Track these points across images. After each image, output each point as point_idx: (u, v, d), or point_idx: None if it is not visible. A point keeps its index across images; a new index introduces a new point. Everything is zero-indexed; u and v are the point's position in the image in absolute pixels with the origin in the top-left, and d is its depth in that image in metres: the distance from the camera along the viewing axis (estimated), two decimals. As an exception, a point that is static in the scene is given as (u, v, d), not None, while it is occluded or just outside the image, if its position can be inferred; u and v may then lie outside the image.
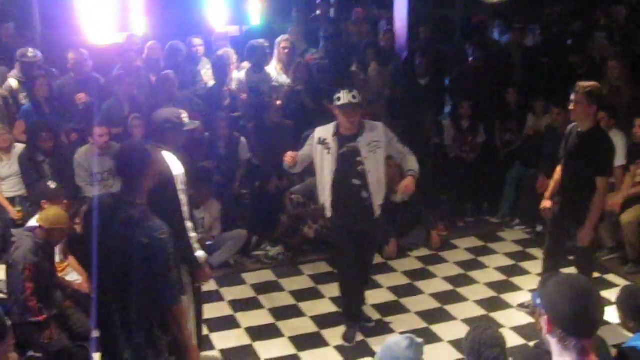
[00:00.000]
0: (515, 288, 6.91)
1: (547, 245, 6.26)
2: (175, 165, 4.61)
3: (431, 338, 5.86)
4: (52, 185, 6.25)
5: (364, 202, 5.70)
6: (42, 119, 7.59)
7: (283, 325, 6.28)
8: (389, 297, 6.77)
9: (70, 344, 5.27)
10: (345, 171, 5.64)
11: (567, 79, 8.12)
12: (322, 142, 5.69)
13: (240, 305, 6.66)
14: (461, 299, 6.73)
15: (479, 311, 6.46)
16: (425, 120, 8.72)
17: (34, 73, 8.06)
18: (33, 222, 5.63)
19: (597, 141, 5.63)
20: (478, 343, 3.57)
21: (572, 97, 5.58)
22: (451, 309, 6.52)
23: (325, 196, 5.77)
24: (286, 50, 8.92)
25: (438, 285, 7.03)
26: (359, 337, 5.99)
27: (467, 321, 6.18)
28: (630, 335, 4.14)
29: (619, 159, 7.34)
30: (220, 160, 7.88)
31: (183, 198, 4.62)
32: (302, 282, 7.16)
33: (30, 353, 5.15)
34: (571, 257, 6.45)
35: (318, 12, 11.56)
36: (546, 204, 6.19)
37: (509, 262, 7.53)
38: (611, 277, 7.00)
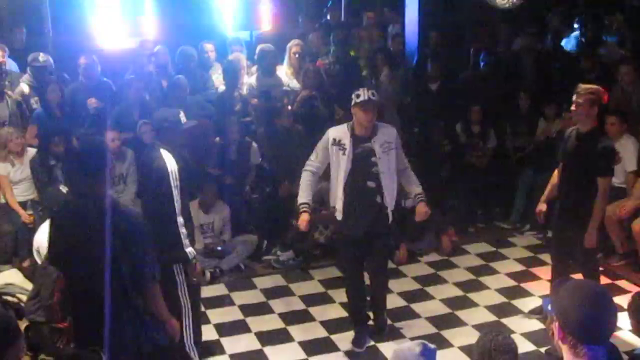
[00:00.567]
0: (526, 294, 6.89)
1: (553, 251, 6.27)
2: (170, 162, 4.83)
3: (442, 344, 5.84)
4: (63, 189, 6.29)
5: (377, 207, 5.68)
6: (53, 124, 7.62)
7: (293, 330, 6.28)
8: (400, 302, 6.76)
9: (82, 350, 5.30)
10: (360, 172, 5.63)
11: (578, 84, 8.09)
12: (336, 142, 5.68)
13: (251, 309, 6.67)
14: (472, 304, 6.71)
15: (490, 317, 6.44)
16: (436, 125, 8.70)
17: (45, 78, 8.10)
18: (45, 227, 5.66)
19: (597, 142, 5.64)
20: (489, 349, 3.56)
21: (574, 98, 5.63)
22: (462, 314, 6.50)
23: (337, 198, 5.74)
24: (297, 55, 8.93)
25: (449, 290, 7.02)
26: (370, 342, 5.98)
27: (478, 327, 6.16)
28: (642, 341, 4.12)
29: (631, 165, 7.34)
30: (231, 165, 7.90)
31: (176, 194, 4.82)
32: (312, 287, 7.16)
33: (42, 356, 5.18)
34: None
35: (328, 17, 11.57)
36: (541, 207, 6.24)
37: (520, 267, 7.51)
38: (623, 284, 6.97)
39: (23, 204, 7.26)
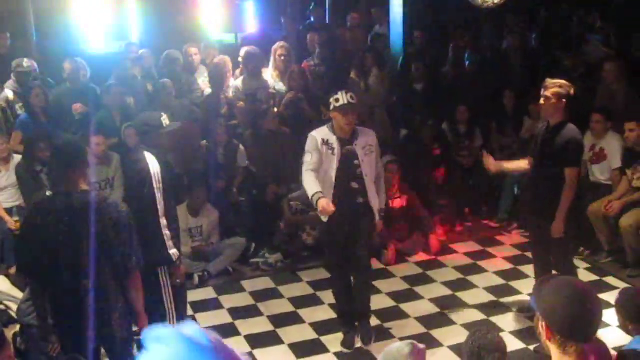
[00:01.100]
0: (514, 292, 6.91)
1: (532, 248, 6.36)
2: (153, 165, 4.90)
3: (431, 343, 5.84)
4: (50, 195, 6.25)
5: (361, 207, 5.72)
6: (39, 129, 7.59)
7: (282, 332, 6.27)
8: (389, 302, 6.77)
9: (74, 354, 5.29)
10: (346, 173, 5.65)
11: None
12: (325, 142, 5.67)
13: (240, 312, 6.65)
14: (461, 303, 6.72)
15: (479, 316, 6.46)
16: (425, 125, 8.71)
17: (29, 83, 8.06)
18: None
19: (565, 133, 5.71)
20: (478, 348, 3.56)
21: (542, 92, 5.71)
22: (451, 314, 6.51)
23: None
24: (283, 58, 8.92)
25: (438, 290, 7.03)
26: (359, 343, 5.97)
27: (467, 326, 6.17)
28: (630, 337, 4.13)
29: (616, 162, 7.38)
30: (218, 168, 7.88)
31: (159, 196, 4.86)
32: (301, 289, 7.15)
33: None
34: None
35: (312, 18, 11.56)
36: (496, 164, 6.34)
37: (508, 266, 7.53)
38: (610, 280, 7.00)
39: (9, 211, 7.22)
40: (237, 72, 9.08)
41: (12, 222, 7.09)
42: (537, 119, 8.42)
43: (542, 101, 5.76)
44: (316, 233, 7.65)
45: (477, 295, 6.87)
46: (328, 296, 6.71)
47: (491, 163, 6.23)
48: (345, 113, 5.55)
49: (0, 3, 9.76)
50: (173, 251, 4.97)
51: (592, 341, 2.58)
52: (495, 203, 8.70)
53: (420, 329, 6.23)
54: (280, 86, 8.84)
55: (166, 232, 4.92)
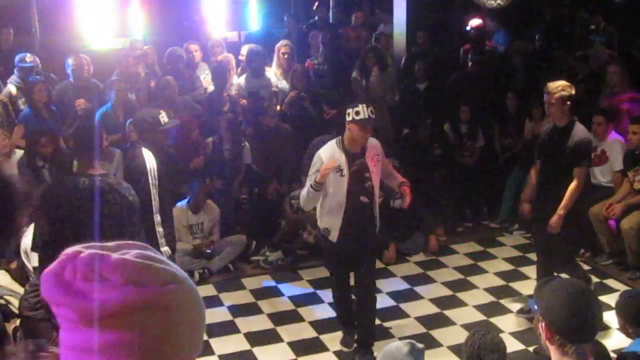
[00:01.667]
0: (514, 293, 6.91)
1: (537, 248, 6.38)
2: (149, 160, 4.88)
3: (431, 343, 5.85)
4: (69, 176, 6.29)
5: (368, 220, 5.57)
6: (41, 125, 7.59)
7: (282, 330, 6.28)
8: (389, 302, 6.77)
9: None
10: (355, 190, 5.44)
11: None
12: None
13: (240, 310, 6.66)
14: (461, 304, 6.72)
15: (479, 316, 6.46)
16: (424, 125, 8.71)
17: (32, 79, 8.06)
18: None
19: (575, 134, 5.76)
20: (478, 348, 3.57)
21: (545, 98, 5.76)
22: (451, 314, 6.51)
23: (333, 220, 5.49)
24: (286, 56, 8.92)
25: (437, 290, 7.03)
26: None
27: (467, 326, 6.17)
28: (629, 340, 4.14)
29: (617, 164, 7.38)
30: (224, 165, 7.88)
31: (154, 192, 4.88)
32: (301, 287, 7.16)
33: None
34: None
35: (316, 17, 11.57)
36: (525, 207, 6.38)
37: (508, 267, 7.53)
38: (611, 282, 7.00)
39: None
40: (239, 69, 9.09)
41: (14, 218, 7.08)
42: (539, 121, 8.43)
43: (547, 107, 5.81)
44: (317, 232, 7.64)
45: (477, 296, 6.87)
46: (328, 295, 6.71)
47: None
48: (364, 127, 5.30)
49: (4, -1, 9.78)
50: (165, 249, 4.99)
51: (591, 342, 2.58)
52: (496, 204, 8.69)
53: (420, 329, 6.23)
54: (283, 84, 8.85)
55: (159, 229, 4.94)
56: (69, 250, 1.20)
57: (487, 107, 9.02)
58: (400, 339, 5.02)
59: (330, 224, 5.53)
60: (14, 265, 6.81)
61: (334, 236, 5.51)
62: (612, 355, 3.92)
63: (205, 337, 5.76)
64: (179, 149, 7.48)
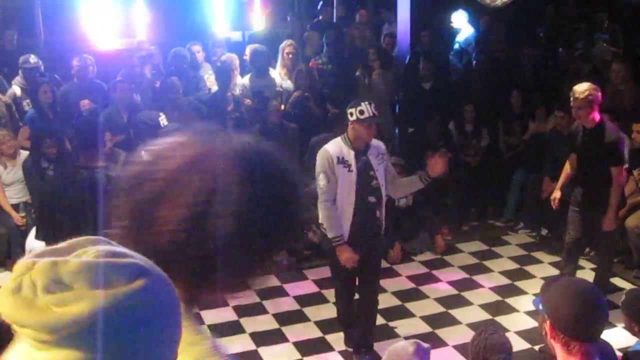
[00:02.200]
0: (520, 292, 6.90)
1: (571, 236, 6.44)
2: None
3: (436, 342, 5.85)
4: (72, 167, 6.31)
5: (377, 221, 5.48)
6: (45, 126, 7.60)
7: (287, 330, 6.28)
8: (394, 301, 6.77)
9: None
10: (362, 188, 5.37)
11: (569, 82, 8.16)
12: (341, 160, 5.32)
13: (245, 310, 6.65)
14: (466, 303, 6.72)
15: (484, 315, 6.45)
16: (429, 124, 8.70)
17: (36, 80, 8.09)
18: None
19: (605, 136, 5.93)
20: (484, 348, 3.57)
21: (572, 102, 5.81)
22: (456, 313, 6.51)
23: (343, 220, 5.40)
24: (290, 56, 8.92)
25: (443, 289, 7.03)
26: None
27: (472, 325, 6.17)
28: (635, 339, 4.13)
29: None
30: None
31: None
32: (306, 287, 7.16)
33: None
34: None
35: (320, 17, 11.56)
36: (556, 194, 6.54)
37: (514, 266, 7.52)
38: (616, 281, 6.98)
39: (15, 207, 7.24)
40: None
41: (19, 218, 7.10)
42: (542, 121, 8.42)
43: (574, 112, 5.99)
44: (322, 231, 7.63)
45: (482, 295, 6.86)
46: (333, 295, 6.72)
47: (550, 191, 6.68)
48: (369, 126, 5.25)
49: (9, 0, 9.79)
50: None
51: (596, 341, 2.58)
52: (501, 202, 8.69)
53: (425, 328, 6.23)
54: (288, 84, 8.85)
55: None
56: (20, 263, 1.08)
57: (491, 106, 9.01)
58: (406, 338, 5.01)
59: (343, 224, 5.42)
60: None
61: (345, 236, 5.40)
62: (618, 354, 3.91)
63: (211, 338, 5.80)
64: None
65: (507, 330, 5.98)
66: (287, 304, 6.79)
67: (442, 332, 6.15)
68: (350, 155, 5.32)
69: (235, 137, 1.47)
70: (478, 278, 7.24)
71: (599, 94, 5.85)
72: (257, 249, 1.42)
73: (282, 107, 8.43)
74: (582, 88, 5.82)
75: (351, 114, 5.24)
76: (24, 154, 7.40)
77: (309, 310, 6.64)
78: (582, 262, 6.94)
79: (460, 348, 5.75)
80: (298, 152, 8.05)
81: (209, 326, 6.28)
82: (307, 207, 7.78)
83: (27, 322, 1.02)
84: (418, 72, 9.47)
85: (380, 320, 6.25)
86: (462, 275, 7.33)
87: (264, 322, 6.44)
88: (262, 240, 1.40)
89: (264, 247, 1.43)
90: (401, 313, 6.54)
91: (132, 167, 1.44)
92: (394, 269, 7.44)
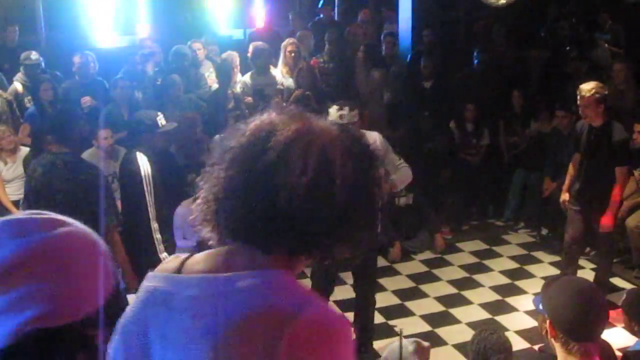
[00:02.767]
0: (520, 291, 6.90)
1: (570, 236, 6.43)
2: (144, 167, 4.81)
3: (436, 341, 5.84)
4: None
5: None
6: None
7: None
8: (394, 300, 6.76)
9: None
10: None
11: (571, 82, 8.16)
12: None
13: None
14: (466, 302, 6.72)
15: (484, 314, 6.45)
16: (428, 123, 8.70)
17: (37, 76, 8.08)
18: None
19: (614, 135, 5.92)
20: (484, 347, 3.57)
21: (579, 102, 5.78)
22: (456, 312, 6.51)
23: None
24: (292, 54, 8.91)
25: (443, 288, 7.02)
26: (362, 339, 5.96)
27: (472, 324, 6.17)
28: (635, 338, 4.13)
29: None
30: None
31: (150, 199, 4.81)
32: (307, 284, 7.15)
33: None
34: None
35: (321, 15, 11.55)
36: (565, 196, 6.49)
37: (514, 265, 7.52)
38: (616, 281, 6.98)
39: (16, 203, 7.23)
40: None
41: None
42: (545, 122, 8.39)
43: (581, 112, 5.94)
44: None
45: (482, 294, 6.86)
46: (335, 292, 6.71)
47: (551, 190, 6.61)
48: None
49: (10, -4, 9.80)
50: (164, 255, 4.98)
51: (596, 341, 2.58)
52: (501, 202, 8.68)
53: (425, 327, 6.23)
54: (290, 82, 8.83)
55: (157, 237, 4.92)
56: None
57: (493, 105, 9.00)
58: (405, 337, 5.02)
59: None
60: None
61: None
62: (618, 353, 3.91)
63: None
64: (181, 147, 7.47)
65: (507, 330, 5.98)
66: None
67: (442, 331, 6.14)
68: None
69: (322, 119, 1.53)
70: (478, 277, 7.24)
71: (606, 92, 5.84)
72: (364, 218, 1.48)
73: (284, 103, 8.42)
74: (588, 87, 5.80)
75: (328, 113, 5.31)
76: (24, 150, 7.40)
77: (308, 309, 6.62)
78: (582, 262, 6.94)
79: (460, 347, 5.75)
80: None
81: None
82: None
83: None
84: (419, 71, 9.46)
85: (379, 319, 6.25)
86: (462, 274, 7.33)
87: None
88: (366, 210, 1.48)
89: (369, 218, 1.50)
90: (401, 312, 6.54)
91: (236, 139, 1.49)
92: (393, 268, 7.43)
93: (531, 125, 8.59)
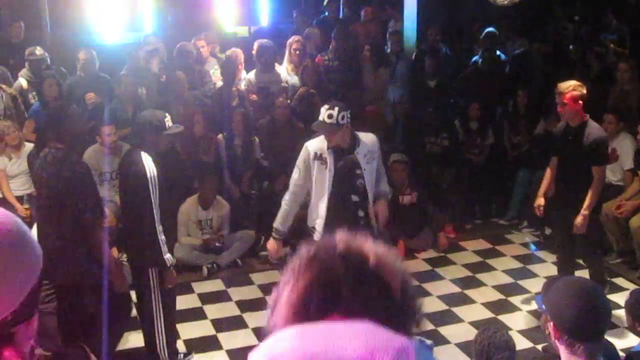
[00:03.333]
0: (523, 291, 6.89)
1: (557, 245, 6.39)
2: (149, 168, 4.77)
3: (439, 340, 5.84)
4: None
5: (359, 221, 5.36)
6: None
7: (290, 326, 6.26)
8: (397, 299, 6.74)
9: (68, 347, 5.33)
10: (343, 186, 5.29)
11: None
12: (318, 157, 5.27)
13: (248, 305, 6.66)
14: (469, 301, 6.72)
15: (487, 314, 6.45)
16: (432, 121, 8.69)
17: (42, 72, 8.08)
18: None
19: (590, 134, 5.80)
20: (487, 346, 3.56)
21: (557, 99, 5.76)
22: (459, 311, 6.51)
23: (318, 215, 5.38)
24: (297, 52, 8.90)
25: (446, 287, 7.02)
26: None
27: (475, 324, 6.16)
28: (639, 339, 4.12)
29: (628, 163, 7.35)
30: (235, 160, 7.88)
31: (154, 201, 4.77)
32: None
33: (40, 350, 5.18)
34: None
35: (327, 13, 11.54)
36: (539, 201, 6.33)
37: (517, 264, 7.51)
38: (620, 281, 6.97)
39: (20, 199, 7.24)
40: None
41: (23, 210, 7.10)
42: (553, 121, 8.37)
43: (559, 109, 5.84)
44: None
45: (485, 293, 6.86)
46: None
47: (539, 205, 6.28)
48: (322, 131, 5.26)
49: (15, -8, 9.80)
50: (167, 256, 4.99)
51: (600, 341, 2.57)
52: (505, 201, 8.68)
53: (428, 326, 6.20)
54: (295, 80, 8.82)
55: (162, 238, 4.92)
56: None
57: (497, 104, 8.99)
58: (408, 335, 5.01)
59: (316, 222, 5.41)
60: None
61: (318, 233, 5.33)
62: (621, 354, 3.91)
63: (213, 332, 5.82)
64: (185, 144, 7.48)
65: (510, 329, 5.98)
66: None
67: (445, 330, 6.14)
68: (326, 151, 5.26)
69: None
70: (481, 276, 7.23)
71: (584, 91, 5.75)
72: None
73: (288, 100, 8.41)
74: (566, 84, 5.73)
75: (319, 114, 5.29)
76: (28, 146, 7.40)
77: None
78: (581, 261, 6.92)
79: (464, 346, 5.74)
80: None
81: (212, 321, 6.30)
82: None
83: None
84: (423, 69, 9.45)
85: (382, 317, 6.24)
86: (466, 273, 7.32)
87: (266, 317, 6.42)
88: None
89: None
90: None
91: (306, 250, 1.52)
92: (397, 266, 7.41)
93: (540, 123, 8.57)
